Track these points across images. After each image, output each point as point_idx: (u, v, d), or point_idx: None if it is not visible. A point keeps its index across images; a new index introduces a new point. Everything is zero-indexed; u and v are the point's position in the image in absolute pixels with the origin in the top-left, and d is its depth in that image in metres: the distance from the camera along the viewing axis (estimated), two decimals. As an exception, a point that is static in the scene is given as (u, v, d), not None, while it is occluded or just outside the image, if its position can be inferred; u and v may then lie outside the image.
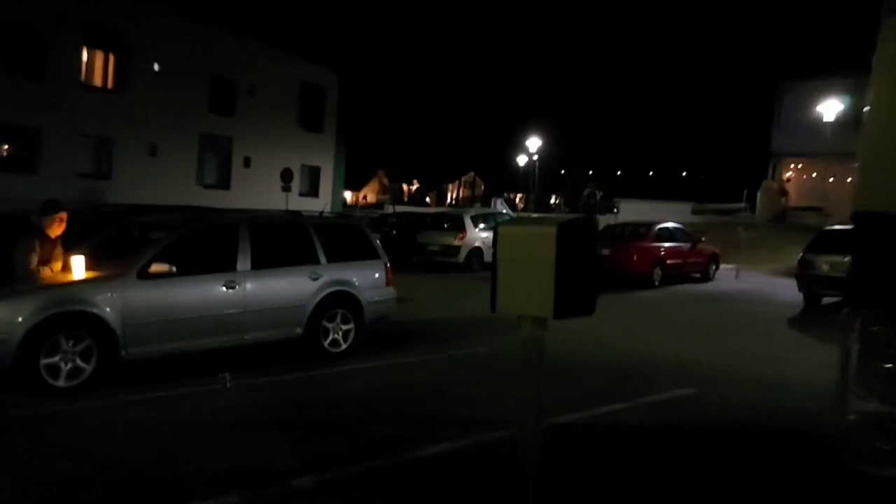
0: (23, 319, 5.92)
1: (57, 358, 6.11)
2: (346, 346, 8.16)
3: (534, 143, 36.91)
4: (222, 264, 7.27)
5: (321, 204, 31.01)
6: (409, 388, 7.05)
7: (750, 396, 7.16)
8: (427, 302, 12.78)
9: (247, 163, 28.01)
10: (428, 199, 69.85)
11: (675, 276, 17.21)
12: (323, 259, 8.05)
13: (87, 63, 22.74)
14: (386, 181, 70.53)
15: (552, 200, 63.36)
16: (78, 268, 6.42)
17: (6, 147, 21.34)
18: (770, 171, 34.53)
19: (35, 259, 6.24)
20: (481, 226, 19.45)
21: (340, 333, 8.14)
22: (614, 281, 16.38)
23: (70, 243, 6.92)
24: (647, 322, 11.98)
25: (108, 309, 6.35)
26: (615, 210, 47.18)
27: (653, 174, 74.90)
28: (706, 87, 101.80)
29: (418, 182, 75.67)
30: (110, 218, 8.46)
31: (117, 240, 7.52)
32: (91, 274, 6.50)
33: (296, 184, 26.90)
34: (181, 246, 6.98)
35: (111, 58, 23.28)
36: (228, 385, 6.77)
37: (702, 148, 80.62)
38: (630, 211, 32.38)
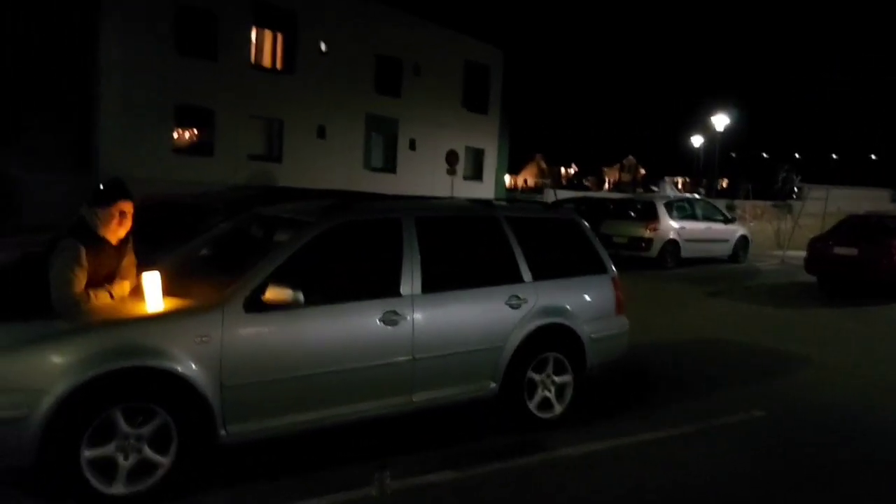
0: (53, 383, 3.27)
1: (111, 447, 3.43)
2: (561, 410, 4.99)
3: (720, 120, 31.16)
4: (378, 285, 4.34)
5: (485, 188, 28.16)
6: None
7: None
8: (638, 315, 9.25)
9: (412, 145, 25.63)
10: (586, 183, 65.05)
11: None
12: (527, 274, 4.90)
13: (256, 43, 21.15)
14: (543, 165, 66.51)
15: (722, 185, 56.23)
16: (151, 292, 3.70)
17: (189, 130, 20.27)
18: None
19: (80, 278, 3.58)
20: (676, 214, 15.51)
21: (553, 390, 4.97)
22: (864, 289, 12.01)
23: (156, 245, 4.29)
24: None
25: (194, 365, 3.59)
26: (794, 196, 40.35)
27: (836, 157, 64.68)
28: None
29: (576, 166, 70.88)
30: (231, 206, 5.83)
31: (223, 243, 4.80)
32: (172, 302, 3.76)
33: (460, 167, 24.13)
34: (314, 255, 4.10)
35: (279, 37, 21.55)
36: (388, 490, 3.83)
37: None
38: (836, 199, 26.42)
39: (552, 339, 4.94)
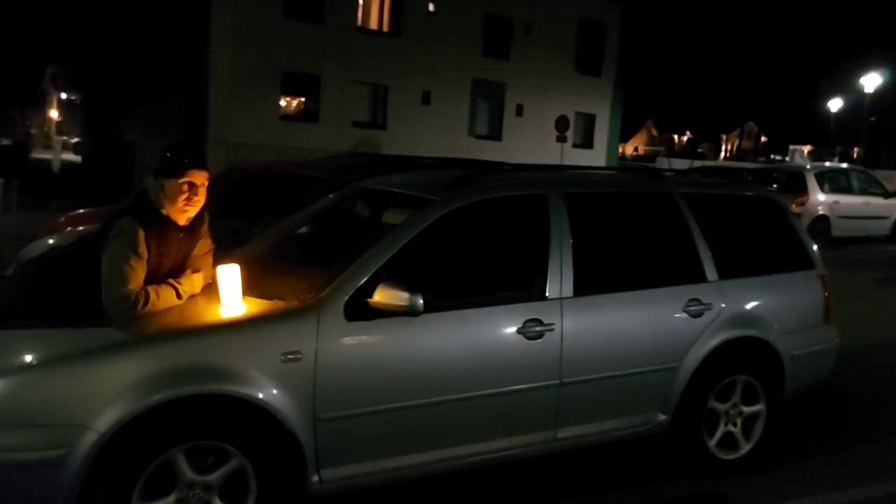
0: (97, 415, 2.43)
1: (171, 499, 2.58)
2: (748, 449, 3.77)
3: (871, 80, 27.21)
4: (518, 285, 3.26)
5: (596, 156, 26.30)
6: None
7: None
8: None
9: (519, 111, 24.15)
10: (701, 150, 60.76)
11: None
12: (711, 271, 3.65)
13: (363, 4, 20.32)
14: (655, 132, 62.66)
15: (856, 154, 50.65)
16: (227, 291, 2.79)
17: (296, 97, 19.87)
18: None
19: (138, 270, 2.71)
20: (827, 186, 13.42)
21: (739, 423, 3.75)
22: None
23: (254, 220, 3.40)
24: None
25: (279, 390, 2.67)
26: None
27: None
28: None
29: (690, 132, 66.29)
30: (336, 175, 4.87)
31: (320, 225, 3.83)
32: (254, 305, 2.84)
33: (570, 134, 22.49)
34: (435, 245, 3.07)
35: (386, -3, 20.62)
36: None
37: None
38: None
39: (743, 358, 3.70)
